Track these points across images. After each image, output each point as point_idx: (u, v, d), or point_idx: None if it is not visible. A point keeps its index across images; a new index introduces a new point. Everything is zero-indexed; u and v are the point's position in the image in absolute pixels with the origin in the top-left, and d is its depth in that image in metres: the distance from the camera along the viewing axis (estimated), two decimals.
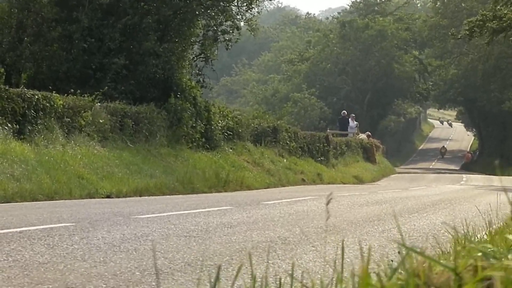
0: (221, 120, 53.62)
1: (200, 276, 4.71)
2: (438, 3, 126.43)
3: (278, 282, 4.56)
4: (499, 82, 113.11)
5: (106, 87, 43.70)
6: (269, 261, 9.77)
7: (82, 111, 39.33)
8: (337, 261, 4.75)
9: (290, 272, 4.65)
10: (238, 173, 48.11)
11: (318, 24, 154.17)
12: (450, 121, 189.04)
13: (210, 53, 53.60)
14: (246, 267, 6.80)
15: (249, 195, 36.90)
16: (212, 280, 3.76)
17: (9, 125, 34.35)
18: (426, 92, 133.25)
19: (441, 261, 4.35)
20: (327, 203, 5.46)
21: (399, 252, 4.65)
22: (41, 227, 16.16)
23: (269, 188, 46.19)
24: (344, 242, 4.69)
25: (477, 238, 5.50)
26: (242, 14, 54.53)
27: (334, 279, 4.85)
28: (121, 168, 38.02)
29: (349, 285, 4.65)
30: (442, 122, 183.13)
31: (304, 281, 4.82)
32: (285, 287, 4.54)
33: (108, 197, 32.82)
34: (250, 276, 4.13)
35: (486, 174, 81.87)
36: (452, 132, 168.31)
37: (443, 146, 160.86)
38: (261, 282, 4.29)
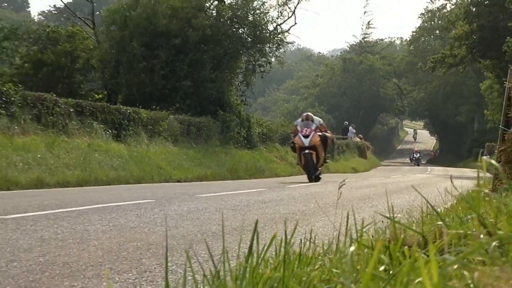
0: (257, 128, 53.64)
1: (241, 237, 4.73)
2: (411, 46, 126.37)
3: (300, 241, 4.56)
4: (454, 101, 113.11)
5: (178, 104, 44.21)
6: (291, 228, 9.75)
7: (161, 121, 39.50)
8: (340, 226, 4.75)
9: (307, 235, 4.65)
10: (270, 165, 48.16)
11: (326, 60, 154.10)
12: (416, 132, 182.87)
13: (250, 80, 53.62)
14: (279, 233, 6.83)
15: (278, 180, 36.79)
16: (250, 240, 3.77)
17: (109, 130, 34.59)
18: (402, 108, 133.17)
19: (413, 227, 4.36)
20: (339, 187, 5.52)
21: (382, 222, 4.66)
22: (132, 202, 16.18)
23: (291, 175, 46.07)
24: (344, 214, 4.68)
25: (438, 211, 5.50)
26: (273, 52, 54.51)
27: (336, 239, 4.86)
28: (187, 161, 38.09)
29: (347, 243, 4.66)
30: (415, 133, 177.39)
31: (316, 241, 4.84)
32: (305, 246, 4.55)
33: (178, 181, 32.86)
34: (280, 238, 4.12)
35: (444, 167, 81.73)
36: (419, 138, 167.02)
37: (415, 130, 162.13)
38: (286, 242, 4.31)
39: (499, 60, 59.69)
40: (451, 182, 5.24)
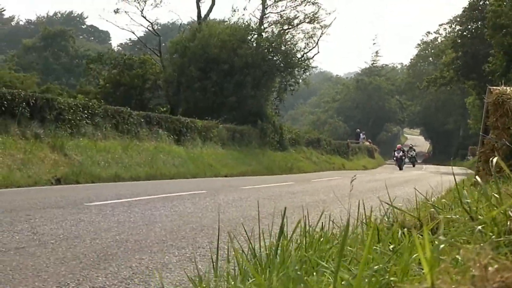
0: (288, 134, 53.73)
1: (274, 220, 4.69)
2: (410, 70, 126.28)
3: (320, 224, 4.53)
4: (444, 113, 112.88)
5: (225, 116, 44.53)
6: (314, 213, 9.71)
7: (212, 129, 39.59)
8: (353, 212, 4.71)
9: (327, 219, 4.62)
10: (297, 164, 48.12)
11: (343, 81, 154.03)
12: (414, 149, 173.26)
13: (282, 96, 53.69)
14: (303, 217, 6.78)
15: (304, 176, 36.75)
16: (281, 223, 3.75)
17: (172, 136, 34.70)
18: (402, 119, 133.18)
19: (411, 213, 4.31)
20: (351, 181, 5.50)
21: (387, 209, 4.62)
22: (188, 192, 16.20)
23: (315, 172, 46.02)
24: (356, 203, 4.64)
25: (431, 200, 5.40)
26: (300, 75, 54.52)
27: (350, 222, 4.83)
28: (232, 160, 38.15)
29: (358, 225, 4.63)
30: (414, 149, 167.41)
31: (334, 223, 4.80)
32: (324, 227, 4.52)
33: (225, 176, 32.88)
34: (306, 221, 4.10)
35: (436, 165, 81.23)
36: (415, 143, 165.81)
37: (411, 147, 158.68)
38: (310, 224, 4.28)
39: (479, 81, 59.59)
40: (454, 177, 5.19)
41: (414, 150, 69.76)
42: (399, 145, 70.90)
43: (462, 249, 2.46)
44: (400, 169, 59.94)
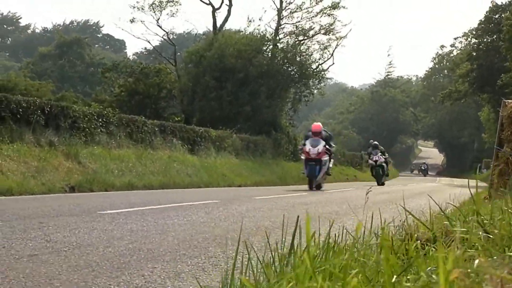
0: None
1: (287, 231, 4.70)
2: (425, 82, 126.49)
3: (335, 235, 4.52)
4: (458, 126, 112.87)
5: (240, 125, 44.61)
6: (327, 225, 9.68)
7: (226, 139, 39.63)
8: (367, 224, 4.69)
9: (340, 230, 4.60)
10: None
11: (357, 92, 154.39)
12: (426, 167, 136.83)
13: (296, 107, 53.72)
14: (317, 230, 6.72)
15: None
16: (295, 233, 3.74)
17: (186, 145, 34.72)
18: (417, 131, 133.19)
19: (426, 224, 4.29)
20: (367, 193, 5.51)
21: (400, 221, 4.60)
22: (202, 202, 16.18)
23: (328, 183, 45.95)
24: (369, 214, 4.62)
25: (446, 212, 5.36)
26: (315, 86, 54.57)
27: (365, 234, 4.80)
28: (246, 171, 38.15)
29: (372, 236, 4.61)
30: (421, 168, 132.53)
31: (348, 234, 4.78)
32: (338, 238, 4.50)
33: (239, 186, 32.86)
34: (319, 233, 4.09)
35: (450, 177, 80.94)
36: (429, 155, 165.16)
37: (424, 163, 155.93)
38: (325, 236, 4.26)
39: (493, 94, 59.57)
40: (469, 190, 5.17)
41: (384, 153, 44.09)
42: (318, 124, 33.16)
43: (477, 262, 2.44)
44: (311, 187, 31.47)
